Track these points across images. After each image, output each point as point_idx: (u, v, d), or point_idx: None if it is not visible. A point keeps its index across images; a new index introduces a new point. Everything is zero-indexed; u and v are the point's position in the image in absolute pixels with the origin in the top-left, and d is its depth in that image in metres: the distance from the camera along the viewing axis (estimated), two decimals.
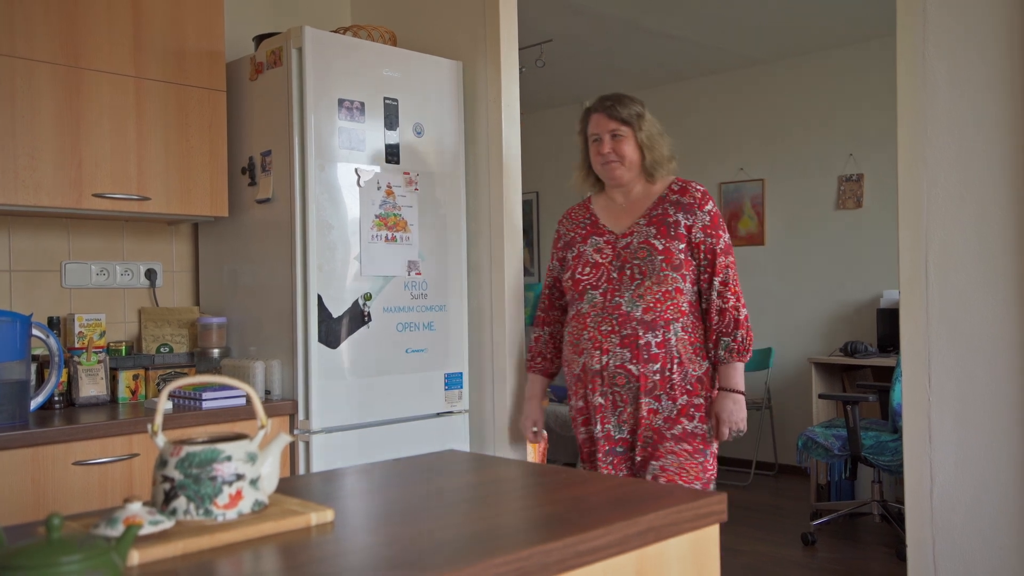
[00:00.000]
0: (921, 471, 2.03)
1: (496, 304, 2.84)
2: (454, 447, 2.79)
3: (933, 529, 2.01)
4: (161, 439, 1.11)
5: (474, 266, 2.89)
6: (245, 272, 2.70)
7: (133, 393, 2.55)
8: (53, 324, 2.48)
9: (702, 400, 2.30)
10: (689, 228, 2.30)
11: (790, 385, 5.54)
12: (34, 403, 2.13)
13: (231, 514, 1.07)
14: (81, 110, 2.34)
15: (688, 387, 2.28)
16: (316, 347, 2.47)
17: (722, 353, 2.29)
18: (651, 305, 2.26)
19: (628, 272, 2.30)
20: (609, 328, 2.28)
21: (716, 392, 2.33)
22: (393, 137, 2.66)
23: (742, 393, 2.31)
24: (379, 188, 2.61)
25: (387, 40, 2.82)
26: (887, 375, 4.65)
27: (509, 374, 2.80)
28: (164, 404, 1.12)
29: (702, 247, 2.30)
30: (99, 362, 2.46)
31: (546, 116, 6.94)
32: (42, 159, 2.28)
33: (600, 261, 2.35)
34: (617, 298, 2.29)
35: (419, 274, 2.71)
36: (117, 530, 0.96)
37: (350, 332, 2.54)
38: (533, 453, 3.48)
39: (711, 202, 2.35)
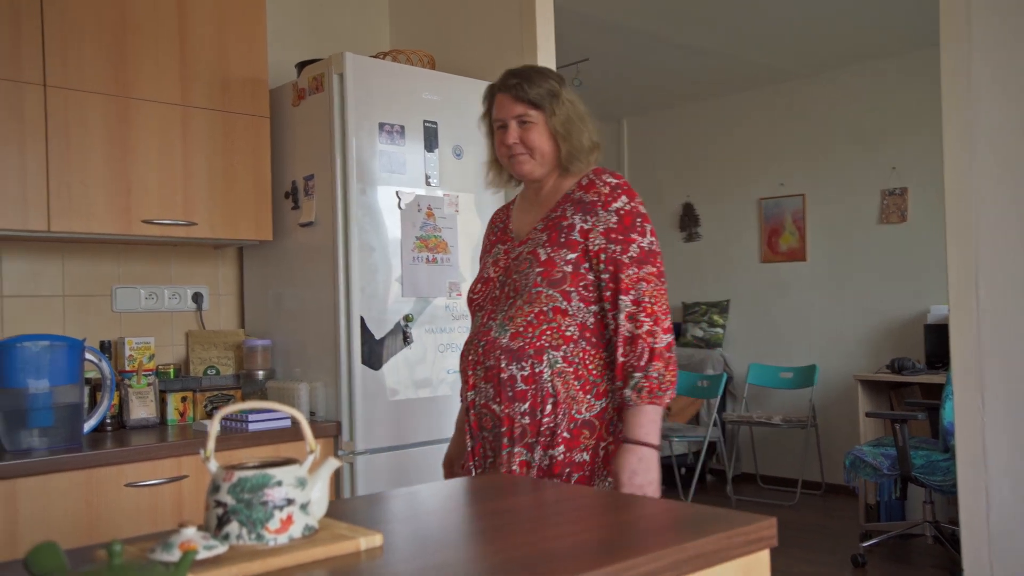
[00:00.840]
0: (976, 494, 1.98)
1: None
2: None
3: (991, 554, 1.95)
4: (213, 464, 1.12)
5: None
6: (289, 295, 2.73)
7: (182, 415, 2.59)
8: (105, 348, 2.54)
9: (587, 454, 1.76)
10: (586, 233, 1.78)
11: (835, 403, 5.45)
12: (87, 425, 2.18)
13: (282, 539, 1.08)
14: (130, 138, 2.40)
15: (568, 435, 1.75)
16: (359, 368, 2.49)
17: (629, 393, 1.72)
18: (520, 330, 1.77)
19: (507, 289, 1.85)
20: (475, 358, 1.84)
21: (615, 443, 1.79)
22: (433, 159, 2.68)
23: (654, 447, 1.72)
24: (419, 210, 2.64)
25: (426, 64, 2.85)
26: (936, 392, 4.56)
27: None
28: (215, 430, 1.14)
29: (602, 256, 1.76)
30: (149, 385, 2.51)
31: None
32: (94, 187, 2.34)
33: (491, 276, 1.92)
34: (490, 321, 1.84)
35: (460, 295, 2.73)
36: (173, 555, 0.98)
37: (392, 353, 2.56)
38: None
39: (623, 198, 1.80)
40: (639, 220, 1.79)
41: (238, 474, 1.09)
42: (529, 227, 1.90)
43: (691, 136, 6.33)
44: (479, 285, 1.94)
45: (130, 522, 2.09)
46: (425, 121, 2.66)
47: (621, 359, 1.74)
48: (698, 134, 6.29)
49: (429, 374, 2.64)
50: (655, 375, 1.72)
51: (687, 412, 5.70)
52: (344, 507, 1.40)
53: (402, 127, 2.61)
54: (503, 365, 1.78)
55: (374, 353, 2.52)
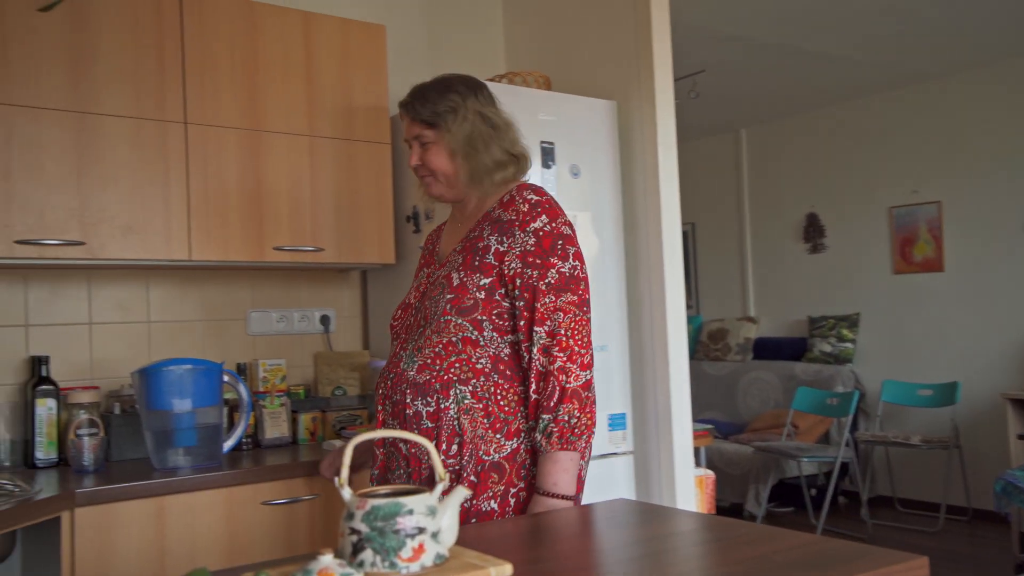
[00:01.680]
0: None
1: (658, 341, 2.79)
2: (618, 489, 2.75)
3: None
4: (347, 492, 1.15)
5: (634, 304, 2.86)
6: None
7: (312, 434, 2.68)
8: (240, 370, 2.66)
9: (495, 502, 1.60)
10: (502, 256, 1.62)
11: (981, 422, 5.11)
12: (226, 445, 2.28)
13: (414, 567, 1.09)
14: (262, 170, 2.51)
15: (475, 478, 1.59)
16: None
17: (539, 438, 1.58)
18: (428, 362, 1.63)
19: (419, 317, 1.72)
20: (384, 392, 1.73)
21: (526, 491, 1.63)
22: (550, 179, 2.68)
23: (567, 499, 1.57)
24: None
25: (541, 85, 2.86)
26: None
27: (675, 413, 2.74)
28: (349, 457, 1.16)
29: (517, 281, 1.60)
30: (281, 405, 2.61)
31: (701, 145, 6.82)
32: (230, 217, 2.46)
33: (411, 302, 1.80)
34: (401, 351, 1.71)
35: None
36: None
37: None
38: (701, 493, 3.38)
39: (543, 218, 1.64)
40: (560, 242, 1.62)
41: (371, 502, 1.11)
42: (450, 249, 1.76)
43: (815, 144, 6.11)
44: (399, 311, 1.81)
45: (267, 538, 2.17)
46: (542, 142, 2.67)
47: (534, 396, 1.59)
48: (822, 141, 6.06)
49: None
50: (564, 418, 1.55)
51: (815, 431, 5.47)
52: (471, 533, 1.40)
53: None
54: (408, 400, 1.64)
55: None
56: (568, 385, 1.56)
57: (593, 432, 1.59)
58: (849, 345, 5.74)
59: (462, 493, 1.16)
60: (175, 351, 2.65)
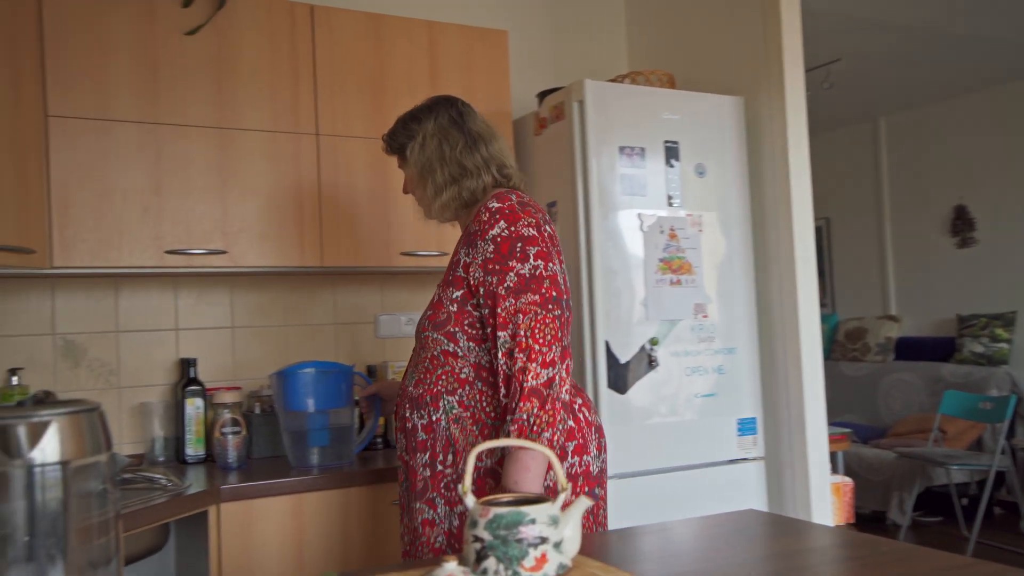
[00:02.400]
0: None
1: (790, 343, 2.69)
2: (748, 497, 2.67)
3: None
4: (471, 500, 1.16)
5: (764, 305, 2.76)
6: None
7: None
8: (371, 372, 2.74)
9: None
10: (467, 267, 1.65)
11: None
12: (357, 446, 2.36)
13: None
14: (389, 177, 2.58)
15: (472, 486, 1.63)
16: (606, 393, 2.48)
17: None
18: (420, 376, 1.71)
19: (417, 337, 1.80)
20: (397, 408, 1.80)
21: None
22: (675, 180, 2.63)
23: None
24: (662, 232, 2.59)
25: (665, 83, 2.81)
26: None
27: (809, 416, 2.63)
28: (471, 466, 1.18)
29: (480, 290, 1.63)
30: None
31: (834, 136, 6.53)
32: (359, 224, 2.54)
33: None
34: (407, 369, 1.81)
35: (706, 316, 2.64)
36: None
37: (638, 377, 2.54)
38: (838, 501, 3.23)
39: (500, 223, 1.63)
40: (519, 245, 1.60)
41: (494, 510, 1.12)
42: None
43: (963, 132, 5.72)
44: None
45: (396, 537, 2.23)
46: (666, 141, 2.62)
47: (503, 400, 1.58)
48: (971, 129, 5.67)
49: (676, 397, 2.58)
50: (523, 416, 1.52)
51: (966, 437, 5.13)
52: (595, 542, 1.39)
53: (643, 149, 2.59)
54: (407, 414, 1.72)
55: (619, 377, 2.51)
56: (527, 384, 1.54)
57: (556, 428, 1.55)
58: (1004, 345, 5.35)
59: (585, 503, 1.16)
60: (308, 354, 2.76)
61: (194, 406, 2.43)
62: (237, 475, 2.20)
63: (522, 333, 1.56)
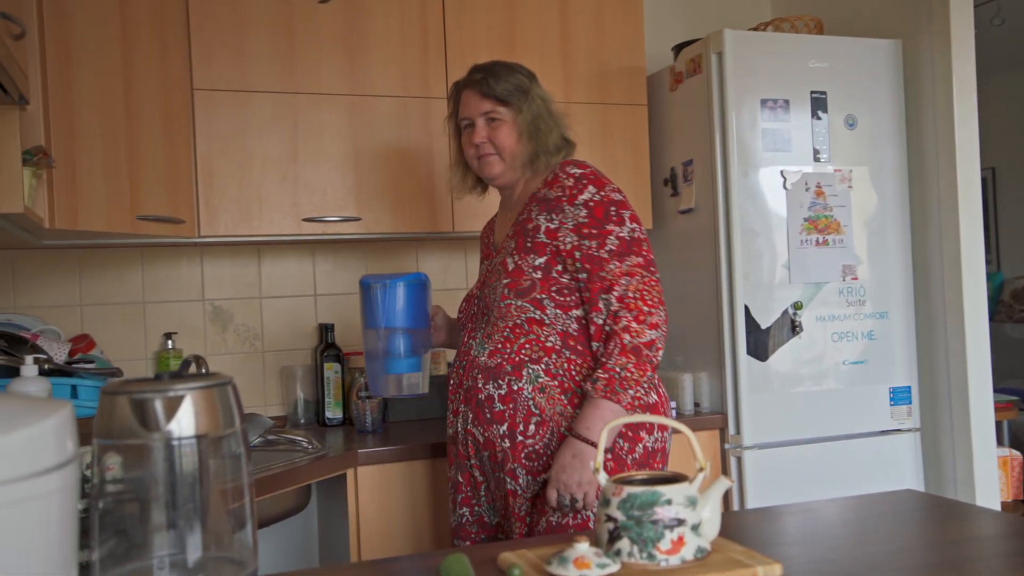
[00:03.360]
0: None
1: (951, 306, 2.48)
2: (902, 472, 2.50)
3: None
4: (603, 477, 1.12)
5: (921, 265, 2.56)
6: (670, 282, 2.69)
7: None
8: None
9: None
10: (554, 233, 1.63)
11: None
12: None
13: (674, 560, 1.04)
14: None
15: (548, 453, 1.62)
16: (745, 359, 2.38)
17: (587, 385, 1.57)
18: (498, 346, 1.65)
19: (482, 305, 1.76)
20: (456, 381, 1.75)
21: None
22: (822, 133, 2.45)
23: (593, 444, 1.53)
24: (807, 189, 2.43)
25: (812, 29, 2.62)
26: None
27: (973, 383, 2.44)
28: (604, 442, 1.13)
29: (576, 255, 1.61)
30: None
31: (1005, 80, 5.97)
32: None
33: (473, 292, 1.84)
34: (471, 340, 1.75)
35: (855, 279, 2.47)
36: (567, 570, 0.98)
37: (780, 343, 2.41)
38: (1005, 476, 3.00)
39: (590, 189, 1.63)
40: (613, 209, 1.62)
41: (627, 490, 1.07)
42: (503, 236, 1.79)
43: None
44: (464, 304, 1.86)
45: None
46: (812, 92, 2.44)
47: (599, 355, 1.60)
48: None
49: (821, 365, 2.44)
50: (616, 369, 1.54)
51: None
52: (735, 522, 1.32)
53: (786, 101, 2.42)
54: (480, 385, 1.66)
55: (760, 343, 2.39)
56: (629, 342, 1.55)
57: (638, 387, 1.56)
58: None
59: (724, 484, 1.09)
60: None
61: (332, 370, 2.50)
62: (373, 439, 2.25)
63: (631, 295, 1.56)
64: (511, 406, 1.62)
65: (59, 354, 2.19)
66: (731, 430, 2.39)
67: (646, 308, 1.56)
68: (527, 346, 1.64)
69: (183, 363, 0.95)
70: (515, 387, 1.62)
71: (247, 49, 2.29)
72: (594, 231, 1.60)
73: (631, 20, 2.65)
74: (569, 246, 1.62)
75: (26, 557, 0.64)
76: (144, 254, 2.51)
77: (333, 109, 2.37)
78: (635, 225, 1.63)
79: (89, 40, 1.97)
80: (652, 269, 1.60)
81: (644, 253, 1.61)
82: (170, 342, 2.46)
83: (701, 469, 1.10)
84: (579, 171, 1.67)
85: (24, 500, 0.62)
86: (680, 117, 2.60)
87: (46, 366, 2.07)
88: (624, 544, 1.05)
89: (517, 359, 1.63)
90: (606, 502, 1.08)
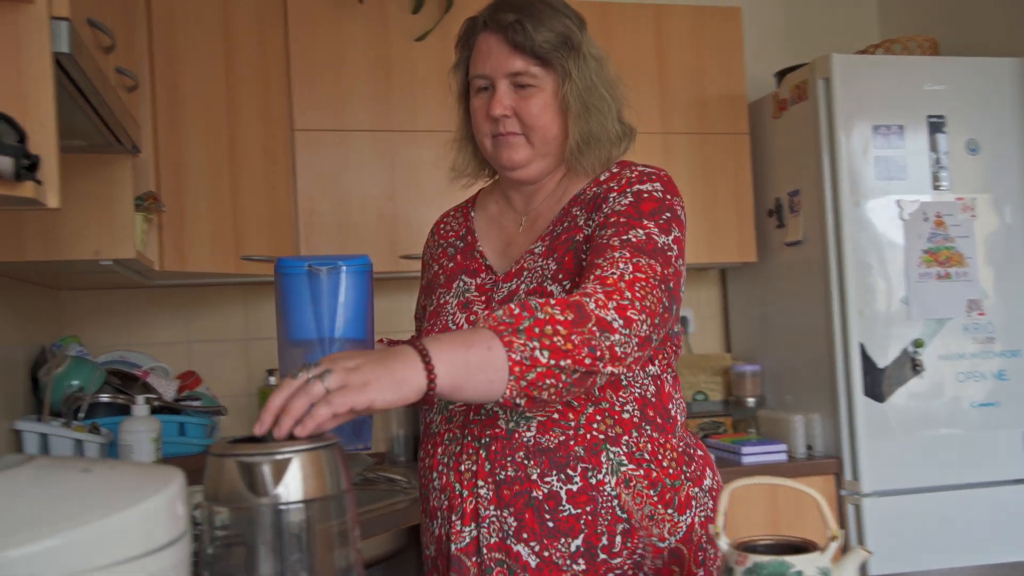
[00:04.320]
0: None
1: None
2: None
3: None
4: (724, 541, 1.04)
5: None
6: (777, 318, 2.59)
7: None
8: None
9: None
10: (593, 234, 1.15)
11: None
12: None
13: None
14: None
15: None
16: (861, 400, 2.24)
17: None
18: (554, 418, 1.12)
19: None
20: (474, 463, 1.14)
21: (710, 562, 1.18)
22: (941, 159, 2.31)
23: (427, 365, 0.90)
24: (926, 219, 2.29)
25: (926, 50, 2.48)
26: None
27: None
28: (725, 505, 1.05)
29: (585, 247, 1.14)
30: None
31: None
32: None
33: (466, 327, 1.20)
34: (483, 407, 1.14)
35: (982, 314, 2.31)
36: None
37: (899, 383, 2.26)
38: None
39: (654, 184, 1.15)
40: (667, 215, 1.12)
41: (752, 559, 0.99)
42: (519, 250, 1.23)
43: None
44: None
45: None
46: (929, 116, 2.31)
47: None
48: None
49: (946, 407, 2.28)
50: (535, 309, 0.96)
51: None
52: None
53: (900, 127, 2.30)
54: (534, 477, 1.10)
55: (877, 383, 2.25)
56: (576, 301, 0.99)
57: (548, 364, 0.94)
58: None
59: (861, 555, 1.00)
60: None
61: None
62: None
63: (617, 276, 1.03)
64: (589, 509, 1.10)
65: (168, 391, 2.24)
66: (847, 475, 2.25)
67: (628, 294, 1.02)
68: (598, 418, 1.12)
69: None
70: (593, 480, 1.11)
71: (345, 88, 2.32)
72: (623, 220, 1.10)
73: (731, 46, 2.57)
74: (582, 238, 1.15)
75: None
76: (247, 292, 2.56)
77: (430, 146, 2.37)
78: (676, 248, 1.11)
79: (196, 87, 2.03)
80: (668, 286, 1.07)
81: (669, 271, 1.07)
82: (272, 378, 2.49)
83: (834, 538, 1.01)
84: (648, 169, 1.19)
85: None
86: (785, 145, 2.50)
87: (155, 403, 2.12)
88: None
89: (590, 437, 1.11)
90: (729, 571, 1.01)
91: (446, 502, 1.16)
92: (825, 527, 1.01)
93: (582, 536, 1.10)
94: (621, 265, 1.05)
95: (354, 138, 2.33)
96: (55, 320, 2.30)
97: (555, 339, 0.95)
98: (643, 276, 1.05)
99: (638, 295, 1.03)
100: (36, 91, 0.94)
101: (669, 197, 1.16)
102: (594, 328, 0.98)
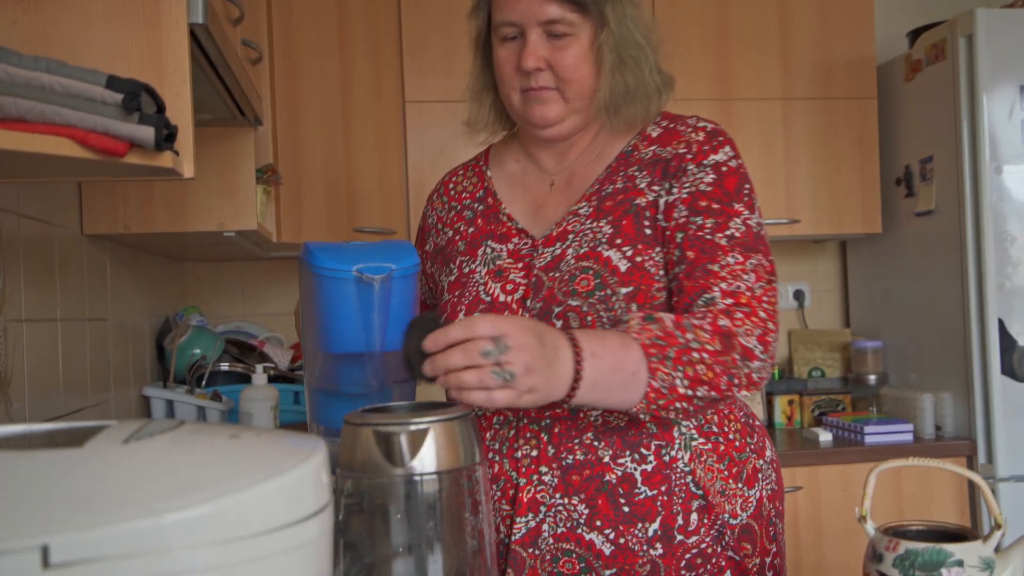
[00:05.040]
0: None
1: None
2: None
3: None
4: (871, 526, 0.98)
5: None
6: (902, 292, 2.45)
7: (789, 419, 2.51)
8: None
9: None
10: (669, 209, 1.06)
11: None
12: None
13: None
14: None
15: (732, 553, 1.07)
16: (998, 379, 2.10)
17: (630, 317, 0.99)
18: None
19: (561, 323, 1.05)
20: (535, 448, 1.06)
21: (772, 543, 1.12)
22: None
23: (578, 358, 0.90)
24: None
25: None
26: None
27: None
28: (872, 487, 0.99)
29: (679, 236, 1.05)
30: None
31: None
32: None
33: (503, 298, 1.10)
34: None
35: None
36: None
37: None
38: None
39: (726, 150, 1.08)
40: (747, 187, 1.08)
41: (905, 545, 0.93)
42: (556, 212, 1.13)
43: None
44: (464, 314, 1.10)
45: None
46: None
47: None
48: None
49: None
50: (686, 332, 0.95)
51: None
52: None
53: None
54: (606, 459, 1.04)
55: (1017, 362, 2.10)
56: (726, 326, 0.98)
57: (686, 397, 0.95)
58: None
59: None
60: None
61: None
62: None
63: (746, 292, 1.02)
64: (664, 489, 1.04)
65: (282, 361, 2.30)
66: (981, 459, 2.12)
67: (762, 314, 1.01)
68: None
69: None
70: (666, 457, 1.05)
71: (456, 59, 2.30)
72: (715, 206, 1.05)
73: (860, 5, 2.43)
74: (675, 223, 1.06)
75: None
76: None
77: None
78: (761, 219, 1.09)
79: (312, 59, 2.05)
80: (775, 282, 1.06)
81: (770, 258, 1.06)
82: None
83: (998, 527, 0.93)
84: (710, 125, 1.12)
85: (287, 551, 0.59)
86: (917, 110, 2.35)
87: (271, 372, 2.17)
88: None
89: (663, 414, 0.99)
90: (877, 557, 0.95)
91: (497, 492, 1.07)
92: (990, 515, 0.94)
93: (659, 519, 1.04)
94: (744, 276, 1.02)
95: (463, 109, 2.31)
96: (178, 291, 2.38)
97: (698, 367, 0.96)
98: (765, 285, 1.03)
99: (769, 311, 1.02)
100: (173, 61, 0.95)
101: (740, 162, 1.10)
102: (736, 357, 0.98)
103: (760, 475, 1.11)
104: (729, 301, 1.01)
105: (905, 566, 0.92)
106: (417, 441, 0.81)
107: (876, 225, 2.44)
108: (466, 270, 1.14)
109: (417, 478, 0.82)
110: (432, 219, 1.27)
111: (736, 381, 0.98)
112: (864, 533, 0.99)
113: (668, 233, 1.06)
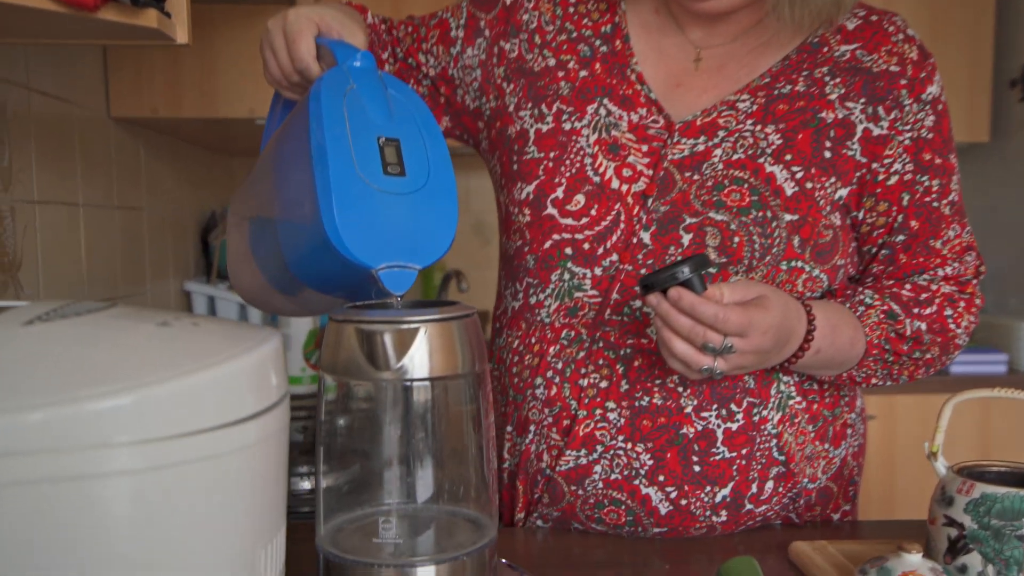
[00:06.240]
0: None
1: None
2: None
3: None
4: (942, 464, 0.85)
5: None
6: (1009, 209, 2.22)
7: None
8: None
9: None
10: (879, 146, 0.88)
11: None
12: None
13: None
14: None
15: (794, 517, 0.96)
16: None
17: (872, 299, 0.91)
18: None
19: (692, 236, 0.87)
20: (605, 379, 0.89)
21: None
22: None
23: (805, 344, 0.83)
24: None
25: None
26: None
27: None
28: (946, 419, 0.85)
29: (905, 198, 0.90)
30: None
31: None
32: None
33: (616, 185, 0.88)
34: (614, 314, 0.90)
35: None
36: None
37: None
38: None
39: (937, 80, 0.90)
40: (951, 129, 0.93)
41: (980, 488, 0.79)
42: (703, 96, 0.91)
43: None
44: (580, 200, 0.88)
45: None
46: None
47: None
48: None
49: None
50: (917, 335, 0.90)
51: None
52: None
53: None
54: (689, 410, 0.88)
55: None
56: (953, 335, 0.93)
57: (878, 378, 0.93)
58: None
59: None
60: None
61: None
62: None
63: (969, 277, 0.95)
64: (745, 452, 0.90)
65: None
66: None
67: (979, 304, 0.97)
68: None
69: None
70: (756, 417, 0.90)
71: None
72: (938, 161, 0.90)
73: None
74: (897, 177, 0.89)
75: (220, 519, 0.52)
76: None
77: None
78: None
79: None
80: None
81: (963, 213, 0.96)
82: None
83: None
84: (917, 39, 0.91)
85: (212, 457, 0.51)
86: None
87: None
88: (973, 560, 0.78)
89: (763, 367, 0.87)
90: (948, 500, 0.82)
91: (549, 418, 0.92)
92: None
93: (731, 484, 0.90)
94: (965, 258, 0.94)
95: None
96: (225, 185, 2.33)
97: (905, 371, 0.95)
98: (975, 263, 0.96)
99: (978, 293, 0.97)
100: None
101: (946, 95, 0.93)
102: (944, 357, 0.96)
103: (850, 431, 0.98)
104: (952, 288, 0.94)
105: (979, 512, 0.79)
106: (405, 342, 0.71)
107: (983, 133, 2.21)
108: (567, 127, 0.91)
109: (406, 383, 0.72)
110: (530, 17, 0.96)
111: (931, 371, 0.97)
112: (935, 472, 0.86)
113: (879, 179, 0.90)
